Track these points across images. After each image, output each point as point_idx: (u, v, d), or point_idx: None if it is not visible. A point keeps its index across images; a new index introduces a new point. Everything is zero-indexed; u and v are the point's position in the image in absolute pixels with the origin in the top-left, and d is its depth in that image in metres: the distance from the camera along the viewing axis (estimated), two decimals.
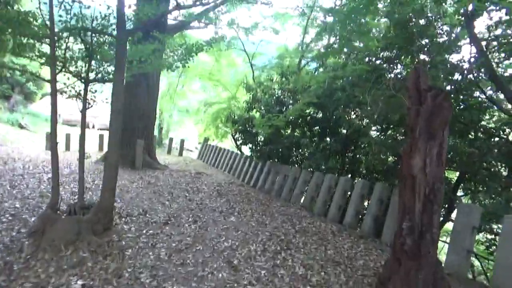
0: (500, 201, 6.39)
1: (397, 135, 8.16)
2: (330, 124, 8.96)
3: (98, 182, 7.83)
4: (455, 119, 6.20)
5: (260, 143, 10.61)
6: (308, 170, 8.40)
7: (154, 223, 5.56)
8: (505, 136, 6.48)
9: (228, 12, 14.32)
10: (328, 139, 9.25)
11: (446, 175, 7.29)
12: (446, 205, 7.03)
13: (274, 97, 10.55)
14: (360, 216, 6.74)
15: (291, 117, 8.96)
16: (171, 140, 18.84)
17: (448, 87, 6.77)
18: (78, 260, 3.91)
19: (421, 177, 2.89)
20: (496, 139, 6.66)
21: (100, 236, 4.59)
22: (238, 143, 12.37)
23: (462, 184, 7.52)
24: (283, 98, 10.50)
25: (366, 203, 6.95)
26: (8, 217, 5.10)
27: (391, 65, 7.51)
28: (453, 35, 7.25)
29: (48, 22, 4.53)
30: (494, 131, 6.67)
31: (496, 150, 6.21)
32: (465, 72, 6.58)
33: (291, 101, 10.21)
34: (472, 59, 6.44)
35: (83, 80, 4.97)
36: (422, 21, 6.96)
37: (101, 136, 14.98)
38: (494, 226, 6.50)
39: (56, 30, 4.60)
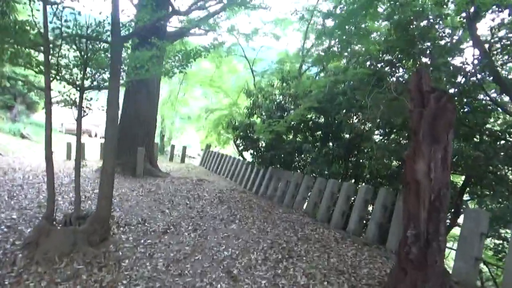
0: (507, 205, 6.24)
1: (401, 139, 8.04)
2: (332, 128, 8.85)
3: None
4: (460, 122, 6.07)
5: (262, 149, 10.49)
6: (310, 175, 8.26)
7: (153, 232, 5.44)
8: (511, 139, 6.34)
9: (228, 18, 14.34)
10: (330, 144, 9.12)
11: (451, 179, 7.14)
12: (452, 210, 6.88)
13: (275, 103, 10.46)
14: (364, 222, 6.59)
15: (292, 122, 8.86)
16: (173, 147, 18.77)
17: (452, 90, 6.65)
18: (72, 272, 3.79)
19: (425, 182, 2.76)
20: (502, 142, 6.52)
21: (97, 247, 4.48)
22: (240, 149, 12.28)
23: (468, 188, 7.37)
24: (284, 103, 10.41)
25: (370, 209, 6.81)
26: (4, 229, 5.00)
27: (393, 69, 7.40)
28: (455, 37, 7.15)
29: (41, 30, 4.46)
30: (500, 134, 6.53)
31: (502, 154, 6.06)
32: (469, 74, 6.47)
33: (292, 106, 10.11)
34: (476, 61, 6.33)
35: (78, 88, 4.88)
36: (423, 24, 6.87)
37: (102, 145, 14.93)
38: (502, 231, 6.34)
39: (50, 38, 4.54)
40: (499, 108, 6.71)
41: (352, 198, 6.98)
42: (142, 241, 5.02)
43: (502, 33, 6.46)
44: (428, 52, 6.86)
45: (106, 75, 5.09)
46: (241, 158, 12.50)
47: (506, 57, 6.64)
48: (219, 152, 15.23)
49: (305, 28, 13.71)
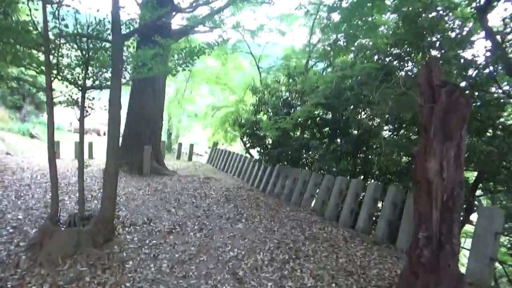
0: None
1: (410, 134, 7.85)
2: (340, 124, 8.68)
3: None
4: (471, 117, 5.86)
5: (269, 146, 10.37)
6: (318, 172, 8.13)
7: (158, 232, 5.38)
8: None
9: (233, 15, 14.22)
10: (338, 140, 8.96)
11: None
12: (464, 206, 6.68)
13: (281, 99, 10.31)
14: (373, 220, 6.45)
15: (299, 119, 8.71)
16: (180, 145, 18.75)
17: (463, 83, 6.45)
18: (75, 274, 3.74)
19: (437, 182, 2.62)
20: None
21: (101, 248, 4.43)
22: (247, 146, 12.17)
23: (480, 185, 7.17)
24: (290, 99, 10.26)
25: (379, 206, 6.67)
26: (9, 230, 4.99)
27: (401, 63, 7.21)
28: (466, 29, 6.92)
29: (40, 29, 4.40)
30: None
31: None
32: (481, 67, 6.25)
33: (299, 103, 9.95)
34: (488, 53, 6.11)
35: (80, 88, 4.82)
36: (432, 15, 6.66)
37: None
38: None
39: (51, 37, 4.48)
40: None
41: (361, 195, 6.84)
42: (147, 241, 4.96)
43: None
44: (437, 45, 6.65)
45: (108, 74, 5.02)
46: (248, 156, 12.39)
47: None
48: (226, 150, 15.14)
49: (311, 23, 13.52)
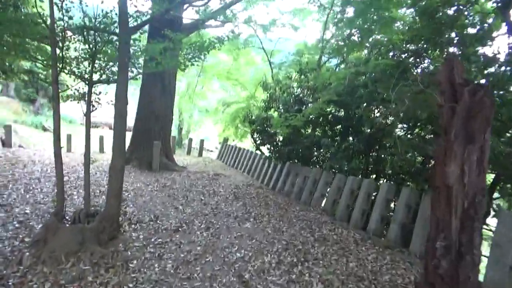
0: None
1: (425, 134, 7.59)
2: (352, 122, 8.46)
3: None
4: None
5: (279, 143, 10.20)
6: (329, 171, 7.94)
7: (164, 230, 5.29)
8: None
9: (245, 9, 14.03)
10: (350, 138, 8.74)
11: None
12: None
13: (293, 96, 10.11)
14: (385, 223, 6.25)
15: (311, 116, 8.51)
16: (190, 140, 18.70)
17: (483, 81, 6.16)
18: (78, 273, 3.66)
19: (458, 188, 2.43)
20: None
21: (105, 246, 4.35)
22: (257, 143, 12.02)
23: (498, 187, 6.89)
24: (302, 96, 10.05)
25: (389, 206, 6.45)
26: (16, 224, 4.96)
27: (418, 59, 6.94)
28: (486, 25, 6.62)
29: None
30: None
31: None
32: (502, 64, 5.96)
33: (310, 100, 9.74)
34: (510, 50, 5.81)
35: (87, 82, 4.73)
36: (451, 11, 6.38)
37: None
38: None
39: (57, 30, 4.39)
40: None
41: (373, 195, 6.64)
42: (153, 239, 4.88)
43: None
44: (456, 41, 6.37)
45: (116, 68, 4.93)
46: (258, 153, 12.25)
47: None
48: (236, 146, 15.02)
49: (325, 18, 13.23)
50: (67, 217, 5.14)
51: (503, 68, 5.99)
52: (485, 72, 6.08)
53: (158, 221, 5.66)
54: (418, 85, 4.93)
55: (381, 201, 6.05)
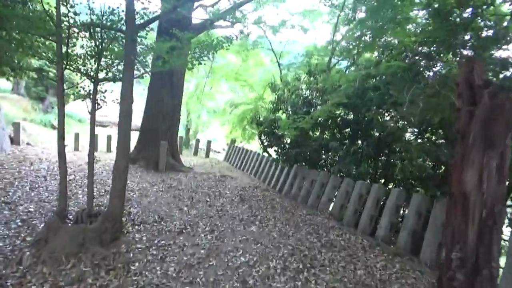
0: None
1: (437, 139, 7.39)
2: (362, 126, 8.30)
3: None
4: None
5: (287, 146, 10.07)
6: (337, 175, 7.78)
7: (168, 232, 5.20)
8: None
9: (255, 10, 13.95)
10: (359, 142, 8.58)
11: None
12: None
13: (301, 97, 9.98)
14: (395, 229, 6.07)
15: (319, 119, 8.37)
16: (197, 141, 18.65)
17: None
18: (78, 275, 3.58)
19: (476, 196, 2.29)
20: None
21: (107, 247, 4.27)
22: (264, 145, 11.90)
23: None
24: (311, 98, 9.91)
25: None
26: (18, 223, 4.92)
27: (431, 62, 6.76)
28: (502, 27, 6.42)
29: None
30: None
31: None
32: None
33: (319, 102, 9.60)
34: None
35: (92, 80, 4.67)
36: (466, 12, 6.20)
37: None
38: None
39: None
40: None
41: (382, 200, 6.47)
42: (156, 241, 4.78)
43: None
44: (471, 43, 6.18)
45: (121, 67, 4.85)
46: (265, 155, 12.13)
47: None
48: (243, 148, 14.92)
49: (335, 20, 13.09)
50: (70, 217, 5.08)
51: None
52: (501, 75, 5.89)
53: (162, 223, 5.57)
54: (431, 87, 4.76)
55: (391, 207, 5.89)
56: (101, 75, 4.82)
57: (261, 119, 10.99)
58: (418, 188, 7.38)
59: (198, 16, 11.48)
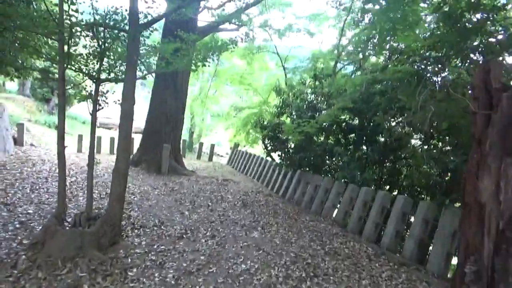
0: None
1: (444, 145, 7.24)
2: (367, 131, 8.16)
3: None
4: None
5: (290, 150, 9.94)
6: (342, 181, 7.64)
7: (168, 237, 5.07)
8: None
9: (260, 14, 13.90)
10: (364, 147, 8.44)
11: None
12: None
13: (306, 102, 9.86)
14: (400, 237, 5.91)
15: (324, 123, 8.24)
16: (201, 144, 18.56)
17: None
18: (73, 280, 3.45)
19: (492, 206, 2.15)
20: None
21: (105, 251, 4.15)
22: (268, 149, 11.78)
23: None
24: (316, 102, 9.79)
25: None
26: (16, 225, 4.81)
27: (440, 66, 6.62)
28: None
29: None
30: None
31: None
32: None
33: (324, 106, 9.48)
34: None
35: (94, 80, 4.58)
36: (477, 16, 6.07)
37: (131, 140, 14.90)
38: None
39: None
40: None
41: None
42: (155, 246, 4.66)
43: None
44: (481, 48, 6.04)
45: (124, 68, 4.76)
46: (269, 159, 12.00)
47: None
48: (246, 152, 14.80)
49: (342, 24, 12.99)
50: (69, 219, 4.98)
51: None
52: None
53: (162, 227, 5.44)
54: (440, 92, 4.62)
55: (396, 215, 5.73)
56: (103, 75, 4.73)
57: (265, 123, 10.89)
58: (423, 195, 7.23)
59: (204, 18, 11.41)
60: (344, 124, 8.90)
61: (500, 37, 6.17)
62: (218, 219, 6.21)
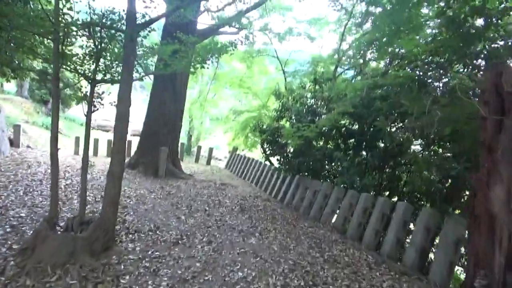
0: None
1: (444, 151, 7.13)
2: (366, 136, 8.06)
3: None
4: None
5: (289, 155, 9.82)
6: (341, 186, 7.52)
7: (163, 242, 4.93)
8: None
9: (261, 17, 13.84)
10: (364, 153, 8.33)
11: None
12: None
13: (306, 106, 9.76)
14: (401, 245, 5.79)
15: (324, 128, 8.14)
16: (199, 148, 18.44)
17: None
18: None
19: (504, 216, 2.03)
20: None
21: (98, 257, 4.01)
22: (267, 153, 11.67)
23: None
24: (316, 107, 9.69)
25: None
26: (7, 229, 4.67)
27: (442, 71, 6.53)
28: None
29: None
30: None
31: None
32: None
33: (324, 111, 9.38)
34: None
35: (89, 81, 4.46)
36: (480, 21, 5.99)
37: (129, 142, 14.78)
38: None
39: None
40: None
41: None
42: (150, 252, 4.52)
43: None
44: (484, 54, 5.96)
45: (121, 69, 4.65)
46: (267, 163, 11.89)
47: None
48: (245, 156, 14.68)
49: (342, 29, 12.94)
50: (62, 224, 4.84)
51: None
52: None
53: (157, 232, 5.31)
54: (443, 97, 4.52)
55: (397, 222, 5.61)
56: (99, 76, 4.61)
57: (264, 126, 10.78)
58: (423, 202, 7.11)
59: (204, 21, 11.35)
60: (344, 129, 8.80)
61: (502, 43, 6.11)
62: (215, 224, 6.08)
